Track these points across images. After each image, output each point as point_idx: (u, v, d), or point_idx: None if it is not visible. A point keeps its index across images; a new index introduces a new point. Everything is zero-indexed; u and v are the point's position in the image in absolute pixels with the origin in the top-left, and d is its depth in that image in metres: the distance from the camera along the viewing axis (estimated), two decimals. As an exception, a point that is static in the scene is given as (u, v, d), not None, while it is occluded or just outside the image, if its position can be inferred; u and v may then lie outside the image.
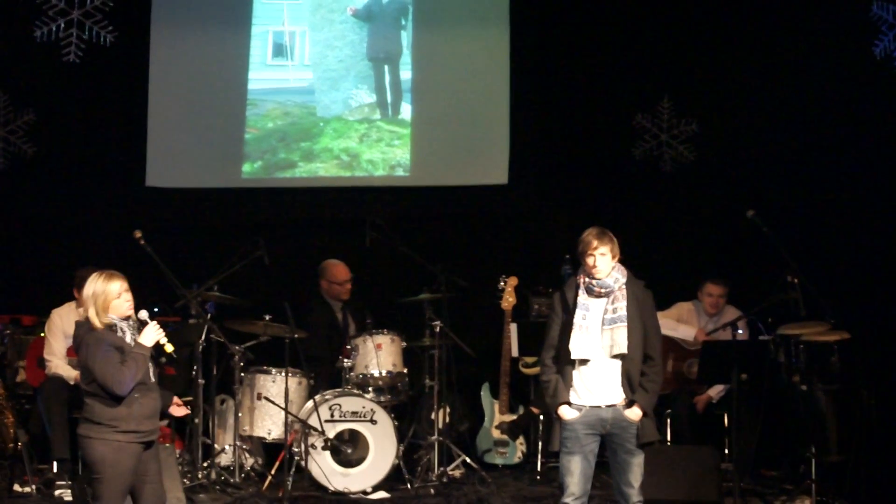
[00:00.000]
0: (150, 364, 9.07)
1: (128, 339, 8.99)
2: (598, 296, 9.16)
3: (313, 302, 13.35)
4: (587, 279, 9.16)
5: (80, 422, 9.05)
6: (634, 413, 9.04)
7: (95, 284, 8.94)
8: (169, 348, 9.28)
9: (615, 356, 9.10)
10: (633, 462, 9.15)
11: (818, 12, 12.80)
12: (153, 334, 9.06)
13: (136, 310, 9.15)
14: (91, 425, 8.88)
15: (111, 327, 8.96)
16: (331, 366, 12.76)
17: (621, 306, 9.10)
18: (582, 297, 9.19)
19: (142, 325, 9.15)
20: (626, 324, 9.08)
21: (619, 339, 9.07)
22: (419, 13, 14.53)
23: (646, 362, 9.12)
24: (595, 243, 9.09)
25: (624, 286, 9.15)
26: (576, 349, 9.12)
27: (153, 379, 9.08)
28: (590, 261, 9.09)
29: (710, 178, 14.28)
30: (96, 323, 8.91)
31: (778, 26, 13.48)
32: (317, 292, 13.41)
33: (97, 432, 8.85)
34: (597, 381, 9.13)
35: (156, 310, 9.57)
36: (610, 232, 9.17)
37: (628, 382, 9.09)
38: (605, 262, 9.10)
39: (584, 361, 9.15)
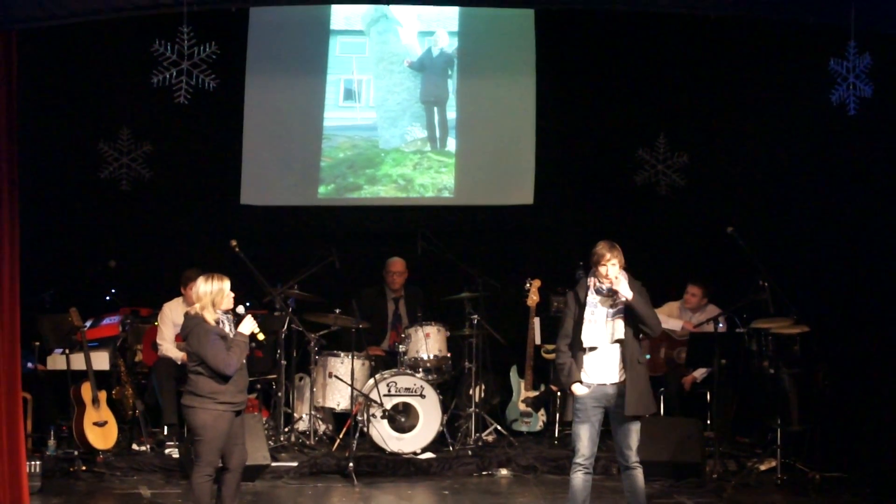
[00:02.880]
0: (243, 348, 9.24)
1: (226, 328, 9.15)
2: (605, 296, 9.26)
3: (370, 289, 13.43)
4: (597, 282, 9.26)
5: (184, 394, 9.23)
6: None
7: (211, 284, 9.11)
8: (261, 336, 9.40)
9: (615, 341, 9.21)
10: (631, 429, 9.23)
11: (788, 66, 12.77)
12: (250, 325, 9.21)
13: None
14: (195, 397, 9.05)
15: (216, 320, 9.13)
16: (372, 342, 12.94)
17: (620, 302, 9.18)
18: (591, 296, 9.29)
19: (239, 317, 9.30)
20: (623, 315, 9.19)
21: (619, 328, 9.18)
22: (463, 65, 14.47)
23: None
24: (608, 255, 9.19)
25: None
26: (586, 339, 9.24)
27: (243, 360, 9.20)
28: (603, 270, 9.19)
29: (698, 201, 14.27)
30: (207, 317, 9.06)
31: (755, 78, 13.42)
32: (379, 284, 13.48)
33: (200, 403, 9.03)
34: (603, 364, 9.24)
35: (247, 304, 9.65)
36: (617, 245, 9.26)
37: (624, 362, 9.19)
38: (614, 270, 9.19)
39: (592, 348, 9.25)
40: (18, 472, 9.63)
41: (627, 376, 9.20)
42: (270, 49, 14.15)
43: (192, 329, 9.10)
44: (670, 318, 12.63)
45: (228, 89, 12.87)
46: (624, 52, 14.23)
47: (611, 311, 9.25)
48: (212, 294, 9.10)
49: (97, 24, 11.23)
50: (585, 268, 9.54)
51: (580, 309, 9.31)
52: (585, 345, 9.25)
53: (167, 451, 11.83)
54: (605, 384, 9.23)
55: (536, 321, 12.94)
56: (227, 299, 9.20)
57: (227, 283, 9.20)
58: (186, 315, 9.29)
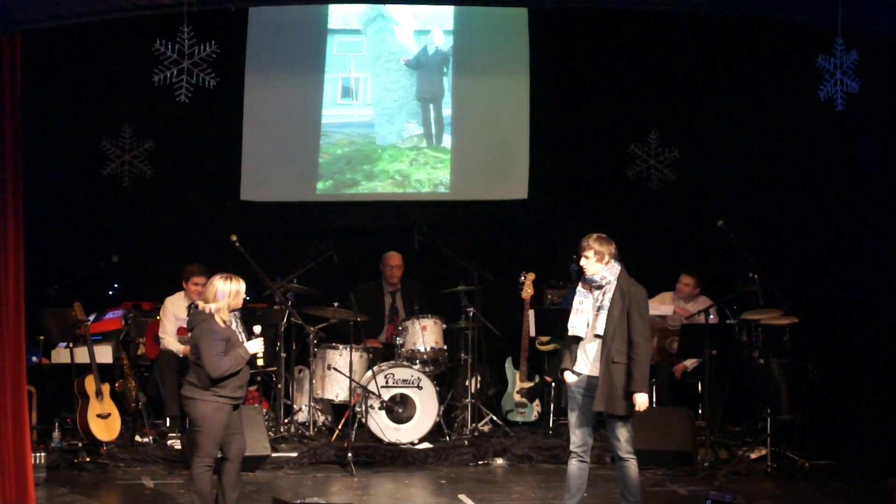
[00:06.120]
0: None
1: (233, 326, 9.23)
2: (591, 288, 9.27)
3: (368, 283, 13.46)
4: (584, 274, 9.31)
5: (184, 385, 9.24)
6: (639, 402, 9.10)
7: (229, 285, 9.14)
8: (260, 363, 9.65)
9: (596, 336, 9.18)
10: (616, 423, 9.21)
11: (777, 62, 12.79)
12: (257, 347, 9.27)
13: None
14: (196, 389, 9.08)
15: (224, 319, 9.16)
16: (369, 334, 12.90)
17: (607, 298, 9.14)
18: (580, 287, 9.35)
19: (253, 335, 9.36)
20: (606, 312, 9.14)
21: (600, 323, 9.13)
22: (458, 62, 14.47)
23: (631, 346, 9.12)
24: (583, 246, 9.23)
25: (613, 282, 9.19)
26: (571, 326, 9.31)
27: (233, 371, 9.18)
28: (582, 261, 9.24)
29: (689, 195, 14.28)
30: (219, 318, 9.09)
31: (745, 74, 13.43)
32: (377, 277, 13.49)
33: (200, 395, 9.08)
34: (588, 355, 9.26)
35: (247, 298, 9.67)
36: (603, 238, 9.25)
37: (603, 358, 9.13)
38: (589, 262, 9.19)
39: (577, 338, 9.28)
40: (24, 464, 9.65)
41: (601, 373, 9.16)
42: (269, 48, 14.13)
43: (198, 323, 9.13)
44: (661, 305, 12.61)
45: (228, 88, 12.87)
46: (616, 50, 14.25)
47: (597, 304, 9.23)
48: (228, 296, 9.13)
49: (99, 24, 11.22)
50: (578, 261, 9.54)
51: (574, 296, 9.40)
52: (569, 332, 9.32)
53: (169, 442, 11.87)
54: (591, 375, 9.25)
55: (531, 313, 12.89)
56: (241, 301, 9.26)
57: (243, 286, 9.25)
58: (196, 310, 9.33)
